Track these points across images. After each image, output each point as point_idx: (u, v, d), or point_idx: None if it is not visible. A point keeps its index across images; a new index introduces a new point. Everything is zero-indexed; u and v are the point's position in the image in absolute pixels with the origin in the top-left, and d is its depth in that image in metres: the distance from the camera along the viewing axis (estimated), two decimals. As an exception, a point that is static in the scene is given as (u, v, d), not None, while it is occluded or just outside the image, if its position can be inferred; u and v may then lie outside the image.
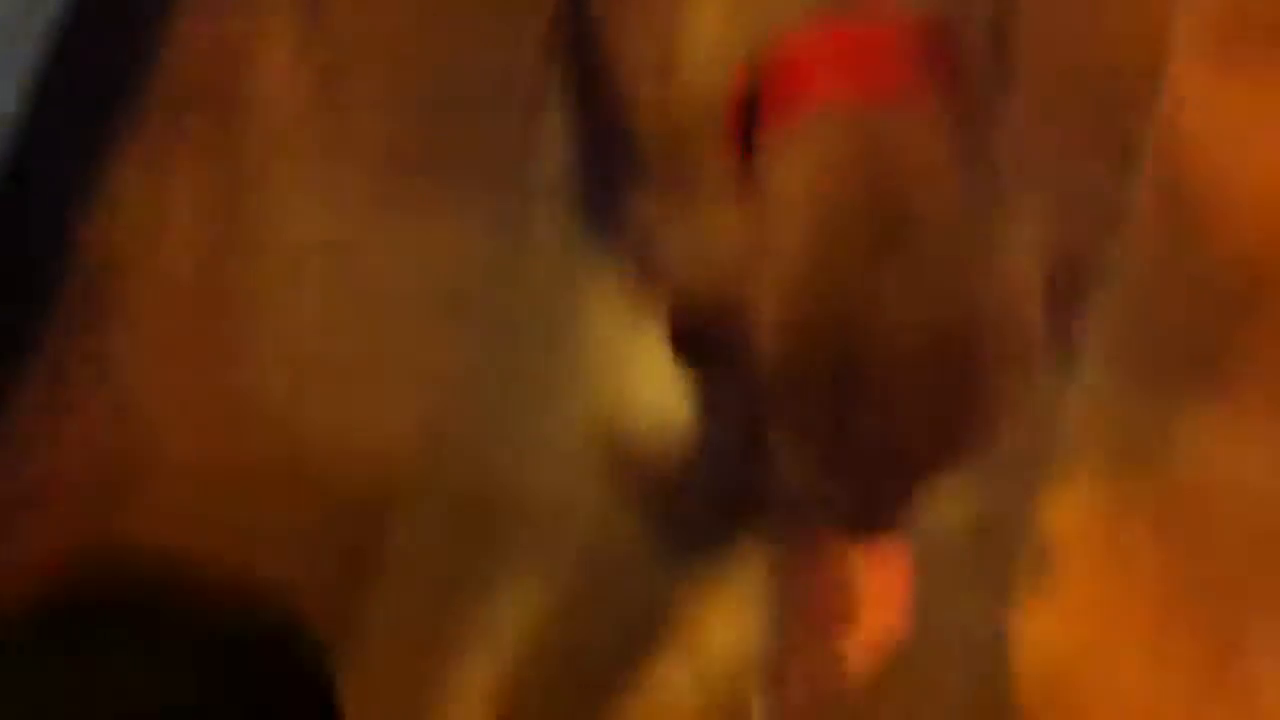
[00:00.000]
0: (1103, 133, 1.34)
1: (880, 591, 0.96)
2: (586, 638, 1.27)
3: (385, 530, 1.29)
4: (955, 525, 1.27)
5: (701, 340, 1.04)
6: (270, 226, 1.35)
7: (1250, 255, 1.33)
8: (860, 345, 0.84)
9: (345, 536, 1.30)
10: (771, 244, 0.86)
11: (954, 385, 0.84)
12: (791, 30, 0.87)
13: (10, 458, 1.30)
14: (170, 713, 0.80)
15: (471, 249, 1.34)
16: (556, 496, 1.30)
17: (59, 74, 1.34)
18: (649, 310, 1.28)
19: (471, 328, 1.34)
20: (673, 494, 1.28)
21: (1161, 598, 1.29)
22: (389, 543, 1.29)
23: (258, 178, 1.36)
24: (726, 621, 0.97)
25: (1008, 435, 0.87)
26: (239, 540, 1.29)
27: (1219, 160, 1.34)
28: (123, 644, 0.83)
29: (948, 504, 1.24)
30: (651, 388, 1.31)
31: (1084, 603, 1.29)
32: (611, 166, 1.30)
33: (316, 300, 1.34)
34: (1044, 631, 1.28)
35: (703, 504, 1.28)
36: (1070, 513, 1.30)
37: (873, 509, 0.90)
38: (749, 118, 0.90)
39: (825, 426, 0.86)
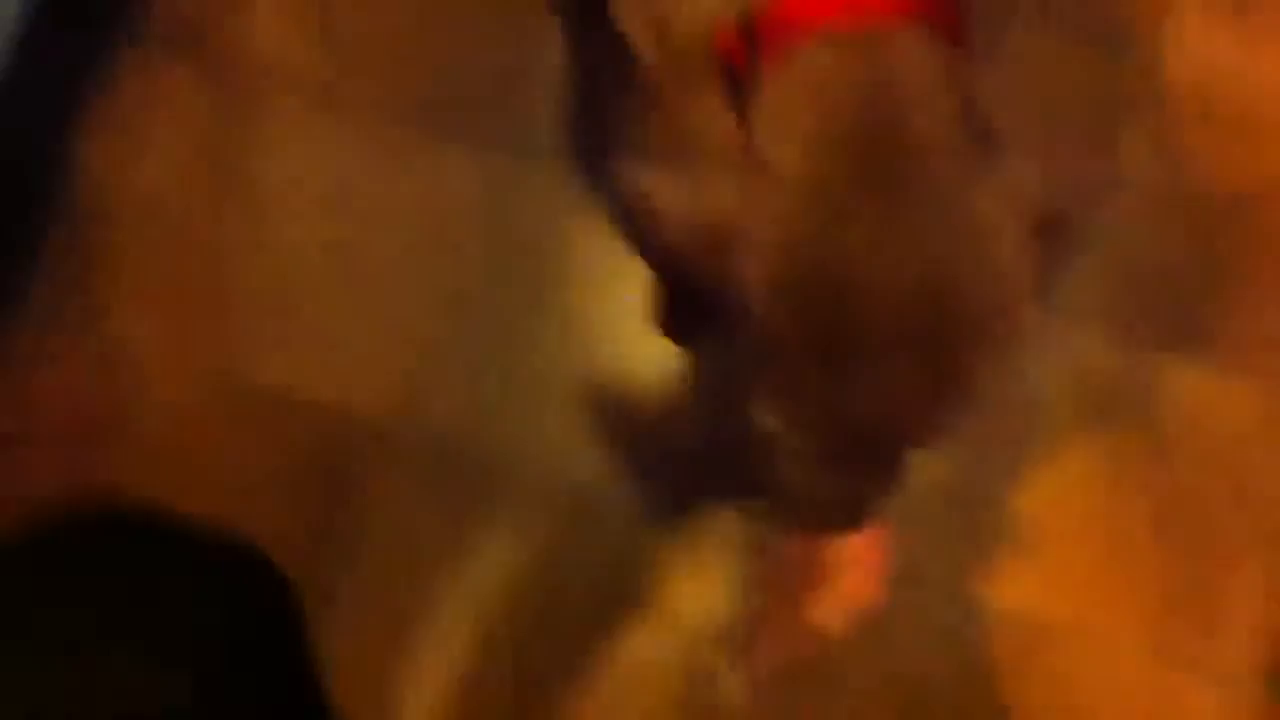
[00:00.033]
0: (1091, 84, 1.34)
1: (854, 563, 0.95)
2: (562, 595, 1.27)
3: (363, 483, 1.29)
4: (930, 486, 1.27)
5: (688, 291, 1.03)
6: (258, 177, 1.34)
7: (1233, 213, 1.33)
8: (851, 275, 0.83)
9: (323, 488, 1.30)
10: (766, 169, 0.86)
11: (940, 324, 0.84)
12: None
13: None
14: (151, 626, 0.81)
15: (459, 201, 1.34)
16: (535, 453, 1.30)
17: (44, 24, 1.34)
18: (637, 261, 1.28)
19: (456, 282, 1.33)
20: (654, 451, 1.28)
21: (1145, 558, 1.29)
22: (366, 496, 1.29)
23: (247, 126, 1.35)
24: (698, 584, 0.96)
25: (989, 392, 0.87)
26: (219, 489, 1.29)
27: (1208, 117, 1.34)
28: (109, 560, 0.84)
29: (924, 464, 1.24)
30: (636, 343, 1.30)
31: (1064, 567, 1.29)
32: (608, 102, 1.30)
33: (302, 253, 1.34)
34: (1023, 596, 1.28)
35: (683, 461, 1.28)
36: (1051, 474, 1.30)
37: (852, 505, 0.89)
38: (745, 47, 0.90)
39: (812, 367, 0.85)
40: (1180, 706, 1.27)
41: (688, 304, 0.93)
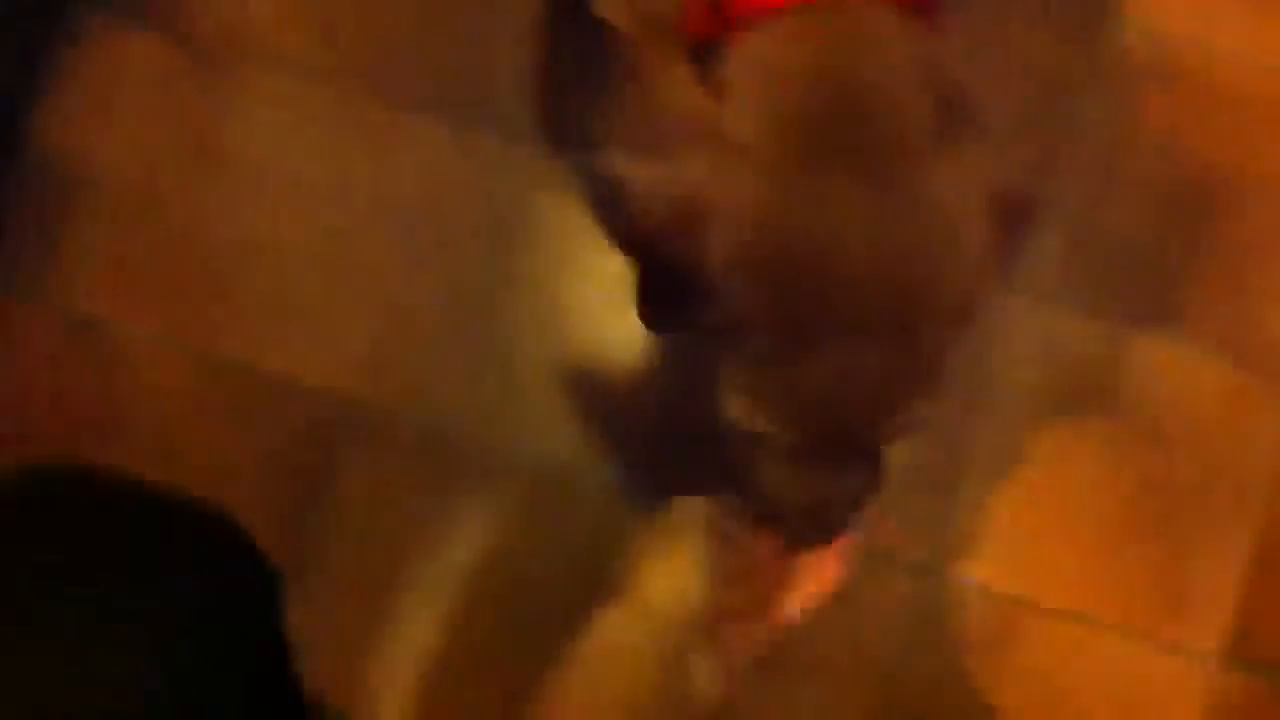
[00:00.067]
0: (1049, 57, 1.33)
1: (817, 564, 0.95)
2: (536, 577, 1.26)
3: (335, 463, 1.28)
4: (903, 469, 1.26)
5: (662, 275, 1.02)
6: (232, 152, 1.33)
7: (1200, 187, 1.33)
8: (818, 253, 0.82)
9: (298, 467, 1.28)
10: (733, 145, 0.85)
11: (906, 304, 0.83)
12: None
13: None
14: (132, 608, 0.79)
15: (436, 179, 1.32)
16: (512, 432, 1.29)
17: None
18: (608, 236, 1.27)
19: (432, 260, 1.32)
20: (628, 432, 1.27)
21: (1119, 538, 1.29)
22: (338, 476, 1.28)
23: (221, 99, 1.33)
24: (671, 569, 0.96)
25: (953, 376, 0.86)
26: (191, 471, 1.28)
27: (1171, 89, 1.34)
28: (77, 527, 0.82)
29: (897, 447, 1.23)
30: (613, 323, 1.29)
31: (1038, 548, 1.28)
32: (580, 75, 1.29)
33: (275, 231, 1.32)
34: (998, 579, 1.28)
35: (657, 443, 1.27)
36: (1024, 455, 1.29)
37: (826, 516, 0.89)
38: (713, 23, 0.89)
39: (780, 349, 0.84)
40: (1157, 686, 1.27)
41: (665, 291, 0.92)
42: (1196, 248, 1.31)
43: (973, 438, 1.29)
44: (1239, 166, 1.32)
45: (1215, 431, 1.29)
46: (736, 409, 0.87)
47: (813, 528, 0.88)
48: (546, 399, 1.29)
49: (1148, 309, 1.30)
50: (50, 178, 1.31)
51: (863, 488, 0.88)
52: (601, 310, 1.29)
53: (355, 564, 1.27)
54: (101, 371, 1.30)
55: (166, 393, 1.29)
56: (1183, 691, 1.27)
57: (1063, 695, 1.27)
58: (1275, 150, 1.32)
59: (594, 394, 1.29)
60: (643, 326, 1.19)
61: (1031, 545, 1.29)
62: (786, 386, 0.85)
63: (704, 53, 0.89)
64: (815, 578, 0.93)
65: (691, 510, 0.96)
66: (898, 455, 0.90)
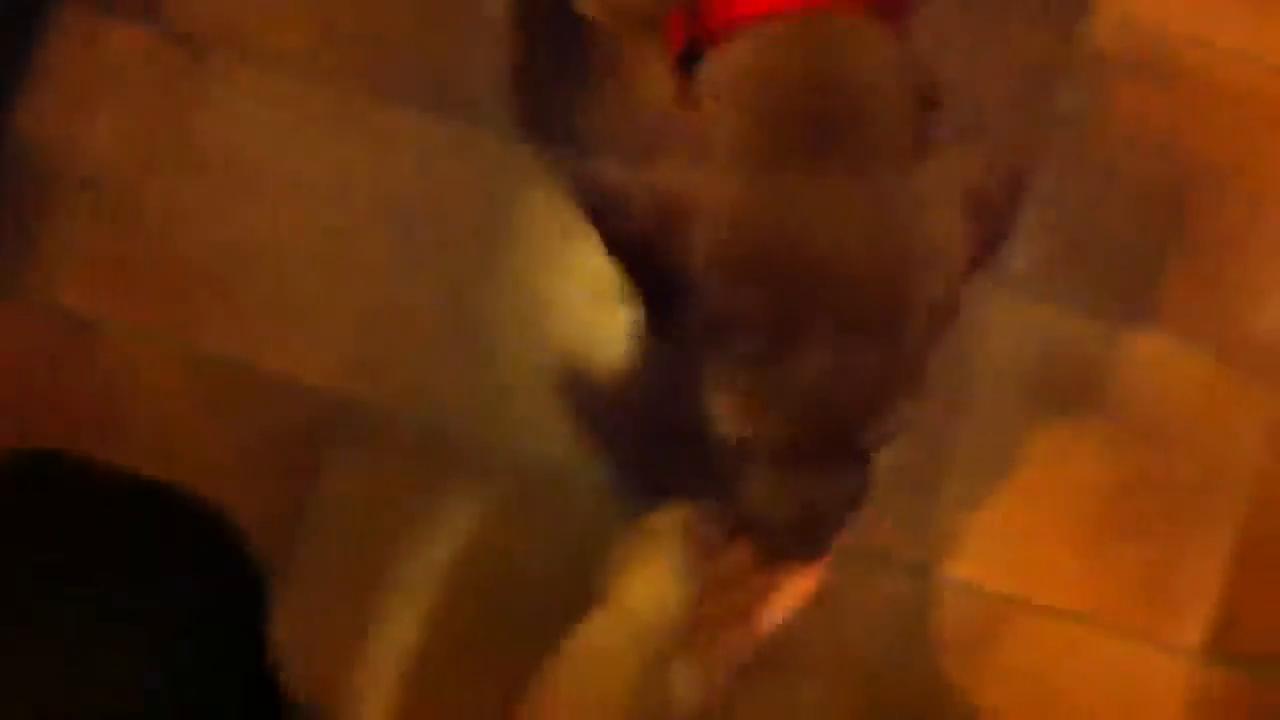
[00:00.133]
0: (1023, 47, 1.33)
1: (798, 573, 0.95)
2: (520, 577, 1.26)
3: (328, 463, 1.28)
4: (888, 467, 1.26)
5: (642, 267, 1.02)
6: (208, 144, 1.32)
7: (1187, 181, 1.33)
8: (798, 252, 0.82)
9: (289, 467, 1.28)
10: (712, 143, 0.85)
11: (885, 302, 0.83)
12: None
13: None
14: (128, 606, 0.79)
15: (415, 170, 1.32)
16: (500, 431, 1.29)
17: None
18: (588, 231, 1.26)
19: (412, 254, 1.31)
20: (615, 433, 1.27)
21: (1106, 534, 1.29)
22: (331, 475, 1.27)
23: (199, 91, 1.32)
24: (652, 574, 0.96)
25: (933, 375, 0.86)
26: (184, 465, 1.27)
27: (1161, 84, 1.34)
28: (79, 500, 0.82)
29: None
30: (601, 320, 1.29)
31: (1026, 545, 1.28)
32: (557, 67, 1.28)
33: (252, 224, 1.31)
34: (986, 575, 1.28)
35: (643, 443, 1.27)
36: (1010, 452, 1.29)
37: (812, 531, 0.89)
38: (691, 29, 0.89)
39: (762, 348, 0.84)
40: (1143, 683, 1.27)
41: (653, 294, 0.93)
42: (1175, 243, 1.31)
43: (955, 436, 1.29)
44: (1215, 161, 1.32)
45: (1199, 427, 1.29)
46: (721, 410, 0.87)
47: (798, 542, 0.88)
48: (540, 398, 1.28)
49: (1130, 305, 1.30)
50: (30, 172, 1.31)
51: (848, 499, 0.87)
52: (595, 310, 1.29)
53: (344, 563, 1.27)
54: (86, 369, 1.29)
55: (154, 391, 1.29)
56: (1168, 687, 1.27)
57: (1049, 693, 1.27)
58: (1251, 144, 1.32)
59: (585, 394, 1.29)
60: (645, 332, 1.19)
61: (1016, 543, 1.29)
62: (770, 387, 0.85)
63: (684, 61, 0.89)
64: (796, 586, 0.93)
65: (672, 517, 0.96)
66: (883, 456, 0.90)
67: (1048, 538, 1.29)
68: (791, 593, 0.93)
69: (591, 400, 1.29)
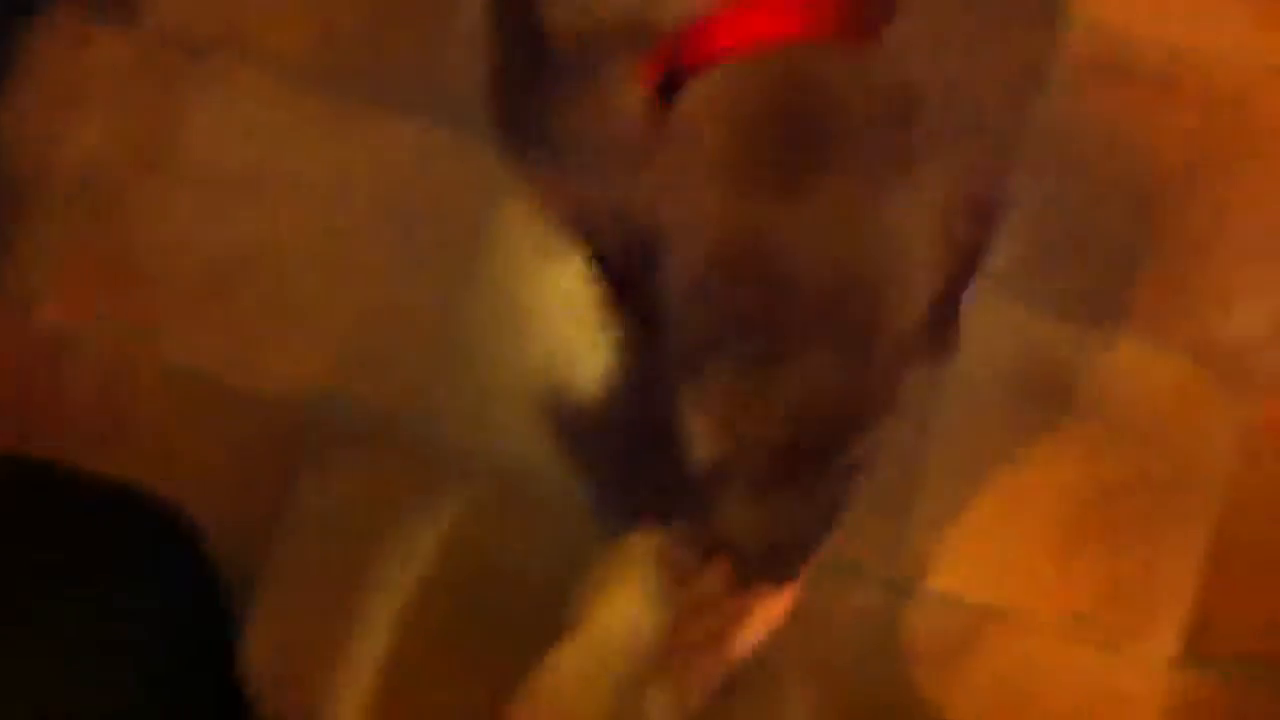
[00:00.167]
0: (997, 61, 1.33)
1: (771, 598, 0.96)
2: (509, 582, 1.26)
3: (297, 469, 1.27)
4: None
5: (616, 277, 1.02)
6: (191, 149, 1.31)
7: (1157, 182, 1.33)
8: (774, 271, 0.83)
9: (267, 473, 1.27)
10: (687, 164, 0.85)
11: (858, 321, 0.83)
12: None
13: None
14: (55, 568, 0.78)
15: (396, 176, 1.31)
16: (487, 436, 1.28)
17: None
18: (565, 239, 1.26)
19: (393, 261, 1.31)
20: (594, 447, 1.27)
21: (1082, 541, 1.29)
22: (299, 481, 1.27)
23: (181, 95, 1.32)
24: (624, 599, 0.96)
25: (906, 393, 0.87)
26: (156, 469, 1.27)
27: (1129, 83, 1.34)
28: (51, 501, 0.82)
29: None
30: (582, 330, 1.29)
31: (1000, 553, 1.29)
32: (530, 80, 1.28)
33: (233, 230, 1.31)
34: (960, 584, 1.28)
35: (621, 460, 1.27)
36: (984, 459, 1.29)
37: (786, 554, 0.89)
38: (667, 59, 0.89)
39: (736, 367, 0.84)
40: (1119, 691, 1.28)
41: (641, 319, 0.93)
42: (1145, 248, 1.32)
43: (928, 443, 1.29)
44: (1181, 165, 1.32)
45: (1172, 431, 1.30)
46: (697, 430, 0.87)
47: (771, 564, 0.88)
48: (521, 402, 1.28)
49: (1102, 309, 1.31)
50: (12, 175, 1.30)
51: (821, 522, 0.88)
52: (577, 317, 1.29)
53: (323, 567, 1.26)
54: (64, 377, 1.28)
55: (131, 400, 1.28)
56: (1145, 694, 1.28)
57: (1026, 703, 1.28)
58: (1216, 149, 1.33)
59: (564, 403, 1.29)
60: (623, 349, 1.20)
61: (990, 553, 1.29)
62: (746, 408, 0.85)
63: (662, 93, 0.90)
64: (770, 610, 0.93)
65: (646, 541, 0.96)
66: (857, 481, 0.91)
67: (1021, 546, 1.29)
68: (765, 616, 0.94)
69: (570, 410, 1.29)
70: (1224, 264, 1.31)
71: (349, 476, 1.28)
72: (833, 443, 0.86)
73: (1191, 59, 1.33)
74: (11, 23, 1.31)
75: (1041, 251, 1.31)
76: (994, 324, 1.30)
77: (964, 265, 0.88)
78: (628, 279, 0.87)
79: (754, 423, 0.85)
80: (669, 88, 0.89)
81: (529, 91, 1.28)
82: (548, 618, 1.23)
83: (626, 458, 1.27)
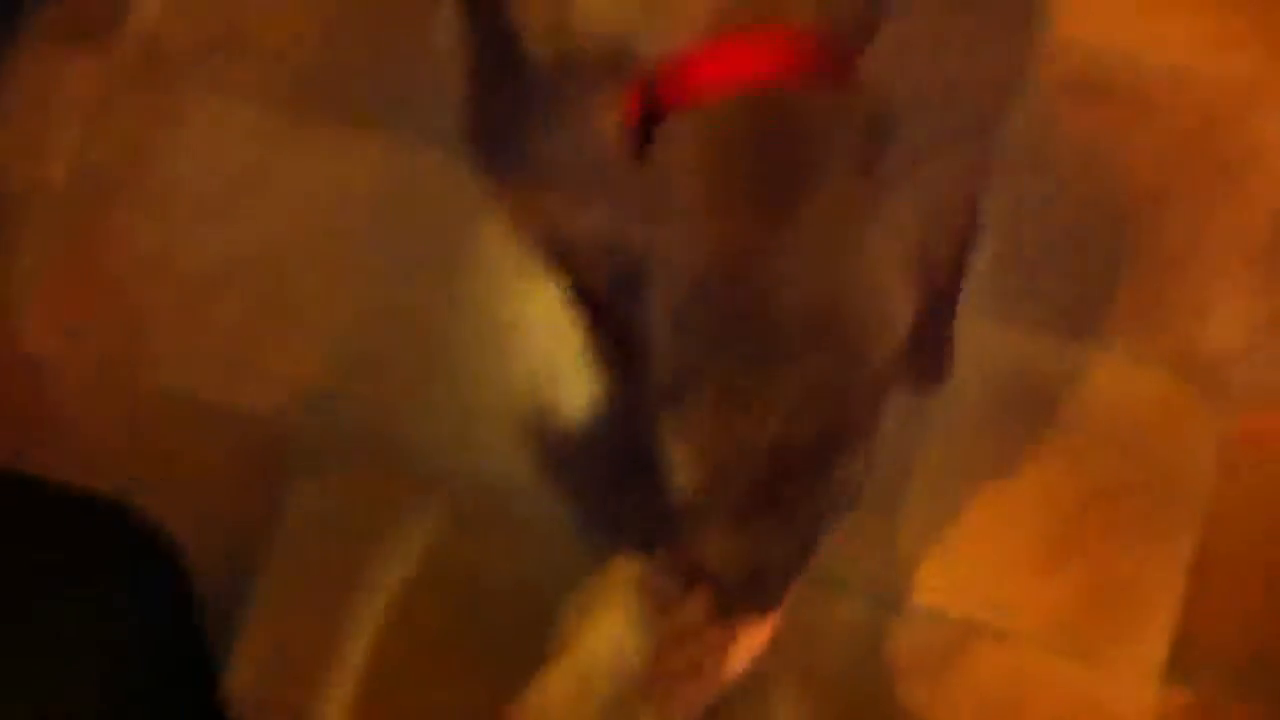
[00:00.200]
0: (986, 62, 1.34)
1: (754, 626, 0.96)
2: (484, 591, 1.26)
3: (280, 487, 1.28)
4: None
5: (591, 303, 1.03)
6: (162, 171, 1.32)
7: (1133, 197, 1.34)
8: (752, 306, 0.83)
9: (240, 494, 1.28)
10: (665, 213, 0.86)
11: (833, 356, 0.84)
12: (695, 41, 0.88)
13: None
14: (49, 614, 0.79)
15: (375, 195, 1.32)
16: (470, 454, 1.29)
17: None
18: (540, 261, 1.27)
19: (373, 281, 1.31)
20: (577, 467, 1.28)
21: (1064, 555, 1.29)
22: (282, 500, 1.27)
23: (150, 117, 1.32)
24: (608, 625, 0.96)
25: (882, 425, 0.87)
26: (133, 491, 1.27)
27: (1105, 99, 1.35)
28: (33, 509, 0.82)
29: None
30: (562, 348, 1.29)
31: (984, 567, 1.29)
32: (507, 101, 1.28)
33: (208, 252, 1.31)
34: (944, 598, 1.28)
35: (603, 481, 1.27)
36: (967, 473, 1.30)
37: (765, 585, 0.90)
38: (646, 98, 0.90)
39: (715, 400, 0.85)
40: (1108, 703, 1.28)
41: (612, 340, 0.94)
42: (1122, 263, 1.32)
43: (917, 457, 1.30)
44: (1153, 182, 1.33)
45: (1152, 444, 1.30)
46: (678, 460, 0.88)
47: (752, 594, 0.89)
48: (503, 421, 1.29)
49: (1081, 324, 1.31)
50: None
51: (800, 553, 0.88)
52: (558, 336, 1.29)
53: (308, 586, 1.27)
54: (43, 393, 1.28)
55: (109, 422, 1.28)
56: (1131, 707, 1.28)
57: (1010, 715, 1.28)
58: (1186, 165, 1.33)
59: (546, 423, 1.29)
60: (605, 372, 1.20)
61: (975, 567, 1.29)
62: (725, 439, 0.86)
63: (641, 130, 0.90)
64: (751, 639, 0.94)
65: (628, 567, 0.96)
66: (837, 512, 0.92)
67: (1005, 560, 1.29)
68: (747, 645, 0.94)
69: (553, 431, 1.29)
70: (1200, 278, 1.32)
71: (332, 495, 1.28)
72: (813, 472, 0.86)
73: (1165, 77, 1.34)
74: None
75: (1021, 268, 1.32)
76: (976, 340, 1.31)
77: (942, 291, 0.88)
78: (605, 304, 0.87)
79: (734, 452, 0.86)
80: (649, 122, 0.89)
81: (506, 113, 1.29)
82: (533, 633, 1.24)
83: (609, 481, 1.27)
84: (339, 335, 1.30)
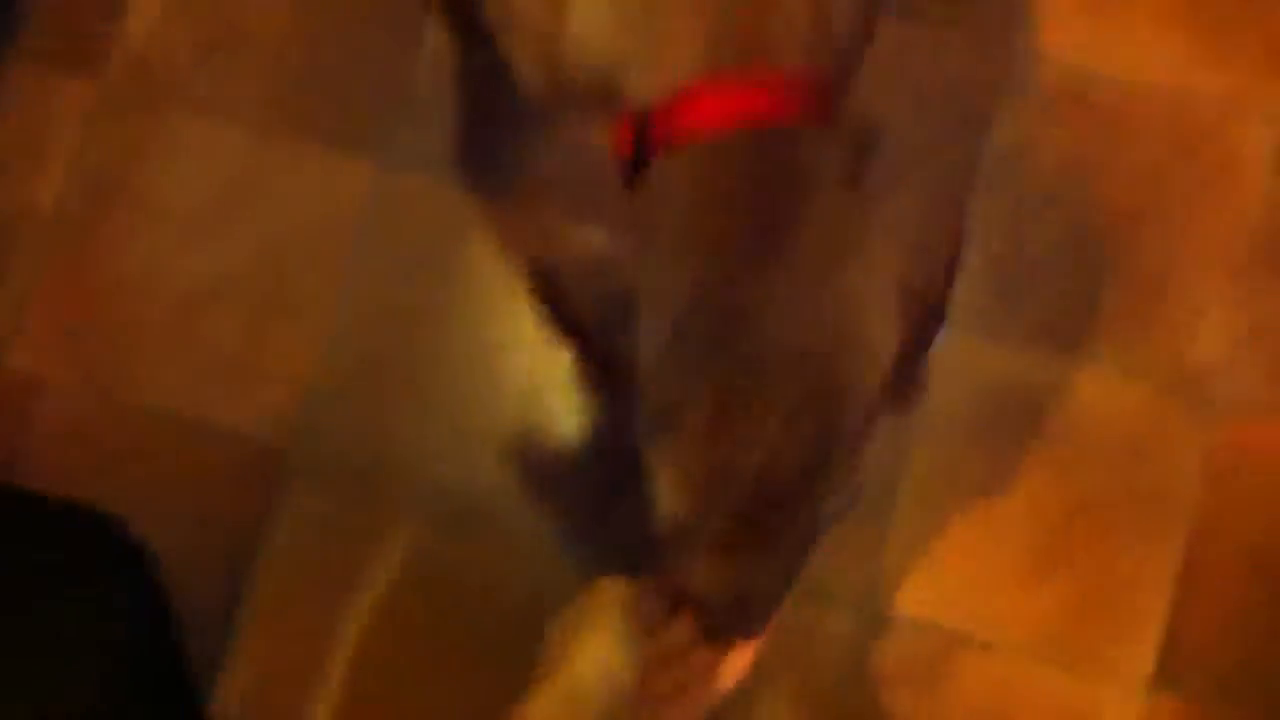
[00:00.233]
0: (964, 72, 1.34)
1: (739, 648, 0.97)
2: (470, 606, 1.26)
3: (263, 506, 1.28)
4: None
5: (576, 328, 1.03)
6: (151, 192, 1.32)
7: (1117, 210, 1.34)
8: (739, 340, 0.84)
9: (227, 511, 1.28)
10: (656, 248, 0.87)
11: (823, 393, 0.85)
12: (686, 79, 0.88)
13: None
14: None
15: (359, 215, 1.32)
16: (442, 474, 1.29)
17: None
18: (529, 289, 1.27)
19: (357, 299, 1.31)
20: (562, 486, 1.28)
21: (1051, 566, 1.30)
22: (266, 518, 1.28)
23: (138, 140, 1.32)
24: (595, 646, 0.97)
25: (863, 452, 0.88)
26: (120, 509, 1.27)
27: (1086, 107, 1.35)
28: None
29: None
30: (548, 369, 1.29)
31: (971, 579, 1.29)
32: (499, 123, 1.29)
33: (195, 272, 1.31)
34: (932, 610, 1.29)
35: (591, 498, 1.27)
36: (954, 485, 1.30)
37: (749, 611, 0.90)
38: (638, 131, 0.91)
39: (702, 430, 0.85)
40: (1095, 712, 1.28)
41: (602, 371, 0.95)
42: (1109, 276, 1.33)
43: (905, 470, 1.30)
44: (1130, 200, 1.33)
45: (1138, 455, 1.31)
46: (664, 487, 0.89)
47: (736, 619, 0.89)
48: (490, 439, 1.29)
49: (1066, 339, 1.32)
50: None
51: (784, 579, 0.89)
52: (546, 355, 1.29)
53: (292, 593, 1.27)
54: (30, 413, 1.29)
55: (97, 441, 1.29)
56: (1116, 715, 1.29)
57: (997, 727, 1.29)
58: (1162, 182, 1.34)
59: (529, 446, 1.29)
60: (592, 392, 1.20)
61: (962, 578, 1.30)
62: (711, 467, 0.86)
63: (634, 166, 0.91)
64: (736, 662, 0.95)
65: (615, 588, 0.97)
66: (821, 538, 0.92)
67: (993, 571, 1.30)
68: (731, 667, 0.95)
69: (541, 450, 1.29)
70: (1183, 291, 1.32)
71: (319, 512, 1.28)
72: (797, 500, 0.87)
73: (1145, 93, 1.34)
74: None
75: (1006, 283, 1.32)
76: (962, 356, 1.31)
77: (924, 320, 0.89)
78: (593, 332, 0.88)
79: (720, 480, 0.86)
80: (641, 155, 0.90)
81: (497, 135, 1.29)
82: (521, 645, 1.25)
83: (595, 502, 1.27)
84: (328, 352, 1.30)
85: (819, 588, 1.28)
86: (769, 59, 0.87)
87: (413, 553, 1.28)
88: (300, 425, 1.29)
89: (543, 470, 1.28)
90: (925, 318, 0.89)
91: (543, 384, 1.29)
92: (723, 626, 0.90)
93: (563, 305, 0.97)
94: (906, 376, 1.11)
